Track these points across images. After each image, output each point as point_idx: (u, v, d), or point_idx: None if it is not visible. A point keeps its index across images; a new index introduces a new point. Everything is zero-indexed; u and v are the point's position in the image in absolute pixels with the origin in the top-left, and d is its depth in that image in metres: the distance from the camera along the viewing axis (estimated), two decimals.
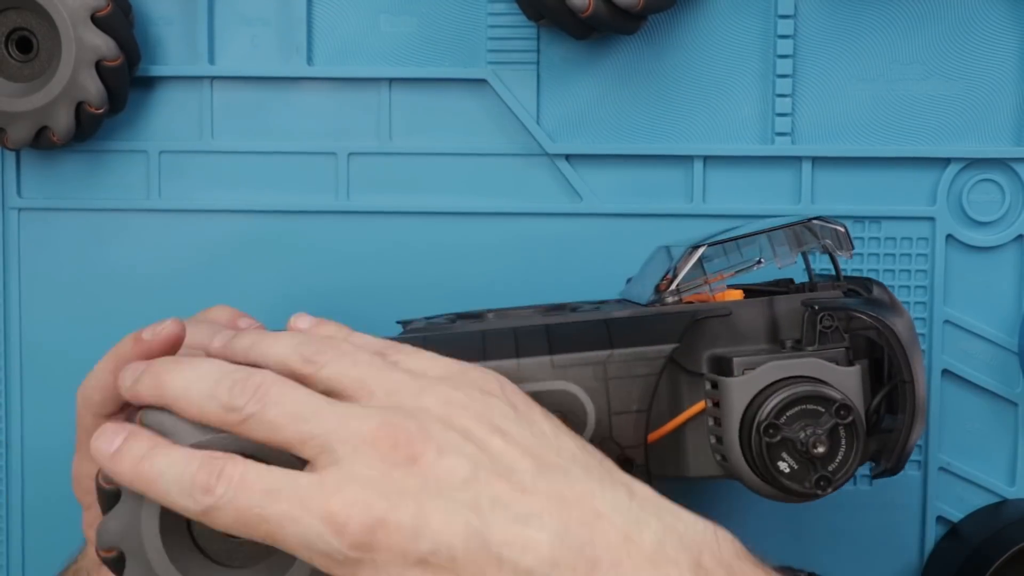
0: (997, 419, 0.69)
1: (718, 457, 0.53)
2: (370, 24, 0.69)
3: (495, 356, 0.52)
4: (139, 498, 0.46)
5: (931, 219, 0.68)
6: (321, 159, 0.69)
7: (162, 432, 0.45)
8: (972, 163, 0.68)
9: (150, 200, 0.70)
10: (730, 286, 0.57)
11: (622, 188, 0.69)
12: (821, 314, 0.53)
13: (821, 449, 0.50)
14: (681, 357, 0.54)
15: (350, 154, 0.69)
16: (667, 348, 0.53)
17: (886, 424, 0.54)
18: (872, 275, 0.68)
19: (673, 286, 0.56)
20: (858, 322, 0.53)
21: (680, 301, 0.55)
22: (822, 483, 0.51)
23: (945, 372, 0.68)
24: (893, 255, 0.68)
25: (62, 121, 0.65)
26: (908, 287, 0.68)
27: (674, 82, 0.69)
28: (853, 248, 0.57)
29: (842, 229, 0.56)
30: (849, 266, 0.68)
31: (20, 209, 0.70)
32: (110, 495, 0.47)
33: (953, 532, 0.69)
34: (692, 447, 0.54)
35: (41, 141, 0.66)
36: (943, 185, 0.68)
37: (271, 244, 0.70)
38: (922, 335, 0.69)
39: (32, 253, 0.70)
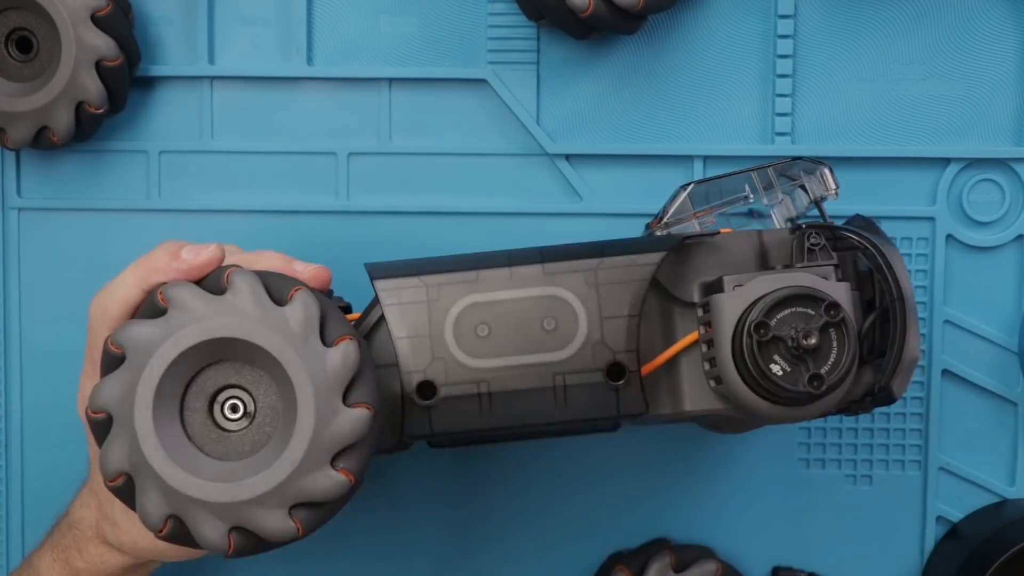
0: (997, 419, 0.69)
1: (712, 383, 0.54)
2: (370, 24, 0.69)
3: (488, 266, 0.53)
4: (139, 369, 0.48)
5: (931, 219, 0.68)
6: (321, 159, 0.69)
7: (181, 302, 0.49)
8: (972, 163, 0.68)
9: (150, 200, 0.70)
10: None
11: (622, 188, 0.69)
12: (808, 232, 0.53)
13: (812, 341, 0.50)
14: (673, 287, 0.54)
15: (350, 154, 0.69)
16: (656, 256, 0.53)
17: (880, 362, 0.54)
18: None
19: (663, 222, 0.56)
20: (846, 243, 0.54)
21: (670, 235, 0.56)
22: (815, 382, 0.50)
23: (945, 372, 0.69)
24: None
25: (62, 121, 0.65)
26: None
27: (674, 82, 0.69)
28: (838, 186, 0.57)
29: (826, 168, 0.57)
30: None
31: (20, 209, 0.70)
32: (115, 359, 0.49)
33: (953, 532, 0.69)
34: (687, 382, 0.54)
35: (41, 141, 0.66)
36: (943, 185, 0.68)
37: (271, 244, 0.69)
38: (922, 335, 0.69)
39: (32, 253, 0.70)
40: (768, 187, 0.58)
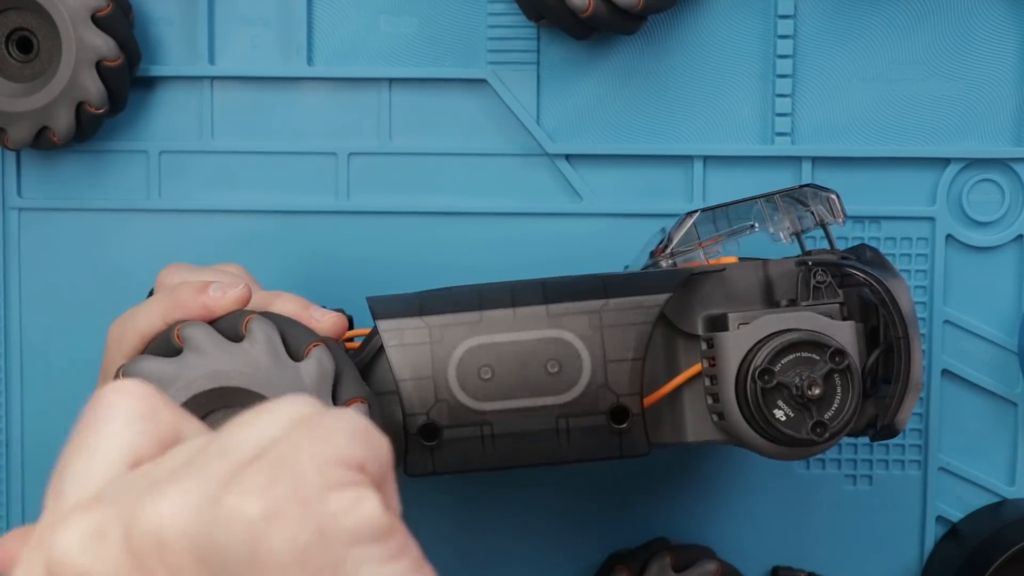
0: (997, 419, 0.69)
1: (715, 417, 0.54)
2: (370, 24, 0.69)
3: (491, 307, 0.53)
4: None
5: (931, 219, 0.68)
6: (321, 159, 0.69)
7: (197, 344, 0.49)
8: (972, 163, 0.68)
9: (150, 200, 0.70)
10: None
11: (622, 188, 0.69)
12: (815, 269, 0.53)
13: (816, 391, 0.50)
14: (677, 319, 0.54)
15: (350, 154, 0.69)
16: (662, 297, 0.53)
17: (882, 393, 0.54)
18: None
19: (668, 251, 0.56)
20: (852, 279, 0.54)
21: (675, 267, 0.56)
22: (818, 429, 0.51)
23: (945, 372, 0.69)
24: (893, 255, 0.68)
25: (62, 121, 0.65)
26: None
27: (674, 82, 0.69)
28: (846, 215, 0.57)
29: (834, 196, 0.57)
30: None
31: (20, 209, 0.70)
32: None
33: (953, 532, 0.69)
34: (690, 411, 0.55)
35: (41, 141, 0.66)
36: (943, 185, 0.68)
37: (271, 244, 0.70)
38: (922, 335, 0.69)
39: (32, 253, 0.70)
40: (775, 214, 0.58)
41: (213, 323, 0.50)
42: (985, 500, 0.69)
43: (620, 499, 0.70)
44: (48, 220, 0.70)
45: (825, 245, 0.57)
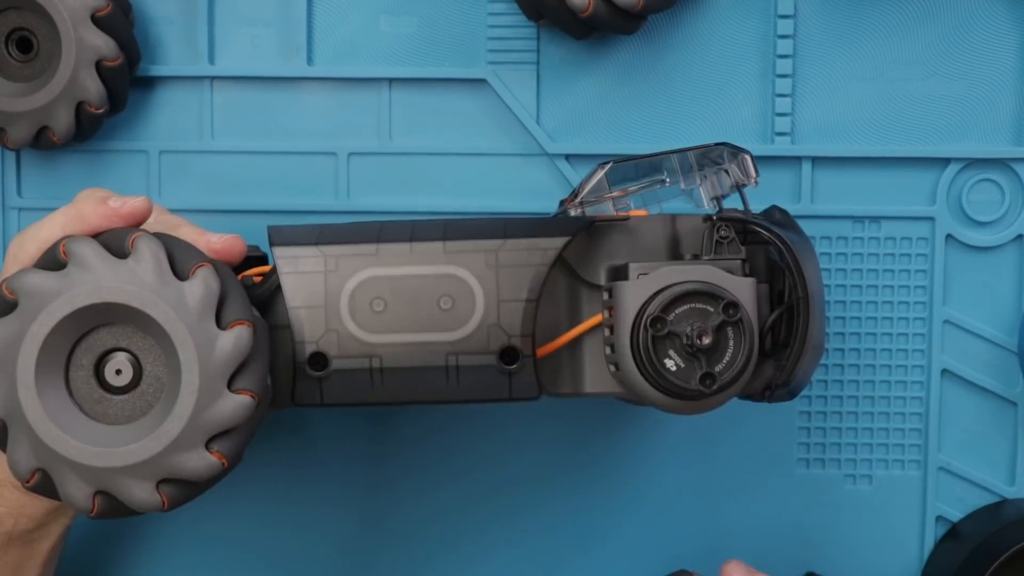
0: (996, 419, 0.69)
1: (612, 368, 0.54)
2: (370, 24, 0.69)
3: (389, 239, 0.53)
4: (29, 320, 0.48)
5: (931, 219, 0.68)
6: (321, 159, 0.69)
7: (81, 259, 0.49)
8: (972, 163, 0.68)
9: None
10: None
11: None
12: (719, 224, 0.53)
13: (706, 341, 0.50)
14: (581, 269, 0.54)
15: (350, 154, 0.69)
16: (560, 240, 0.53)
17: (783, 355, 0.53)
18: (872, 275, 0.68)
19: (577, 200, 0.56)
20: (758, 238, 0.54)
21: (583, 215, 0.56)
22: (707, 381, 0.50)
23: (945, 372, 0.69)
24: (893, 255, 0.68)
25: (62, 121, 0.65)
26: (908, 287, 0.69)
27: (674, 82, 0.69)
28: (758, 175, 0.57)
29: (747, 156, 0.57)
30: (849, 265, 0.68)
31: (20, 209, 0.70)
32: (7, 304, 0.49)
33: (953, 532, 0.69)
34: (589, 363, 0.54)
35: (41, 141, 0.66)
36: (943, 185, 0.68)
37: None
38: (922, 335, 0.69)
39: None
40: (688, 170, 0.58)
41: (100, 239, 0.50)
42: (985, 500, 0.69)
43: (619, 496, 0.70)
44: None
45: None
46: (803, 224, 0.68)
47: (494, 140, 0.69)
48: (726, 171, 0.57)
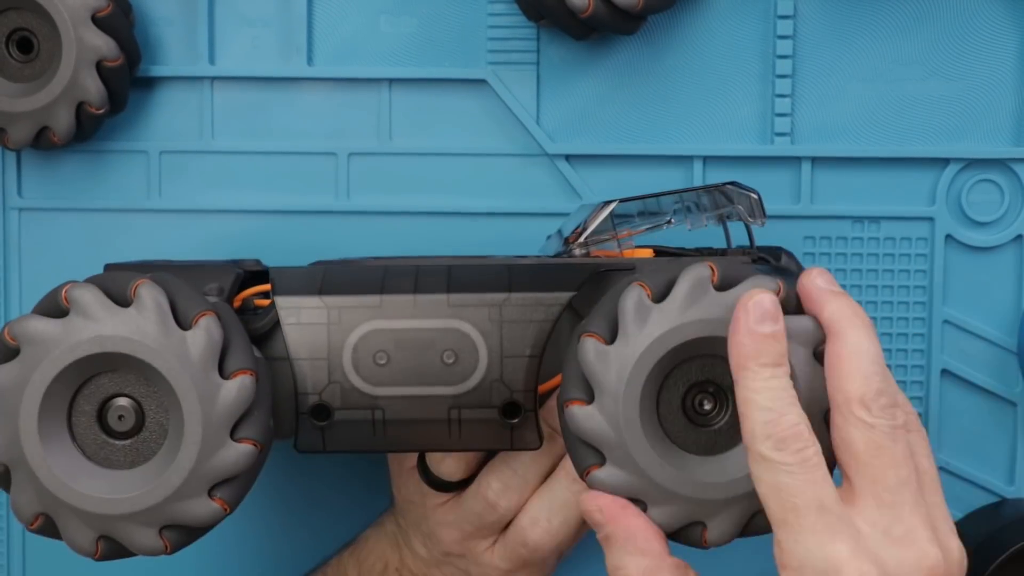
0: (996, 419, 0.69)
1: None
2: (370, 24, 0.69)
3: (393, 291, 0.53)
4: (31, 367, 0.48)
5: (930, 219, 0.68)
6: (321, 159, 0.70)
7: (83, 307, 0.49)
8: (971, 163, 0.68)
9: (151, 200, 0.70)
10: (644, 247, 0.57)
11: (622, 188, 0.69)
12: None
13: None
14: (584, 311, 0.54)
15: (350, 154, 0.69)
16: (565, 296, 0.53)
17: None
18: (871, 275, 0.69)
19: (582, 239, 0.56)
20: None
21: (588, 255, 0.56)
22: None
23: (944, 372, 0.69)
24: (892, 255, 0.68)
25: (63, 121, 0.65)
26: (907, 287, 0.69)
27: (674, 82, 0.69)
28: (766, 216, 0.57)
29: (755, 196, 0.57)
30: (849, 265, 0.68)
31: (21, 209, 0.70)
32: (9, 350, 0.49)
33: None
34: None
35: (42, 141, 0.66)
36: (942, 185, 0.68)
37: (271, 244, 0.70)
38: (921, 335, 0.69)
39: (33, 253, 0.70)
40: (694, 210, 0.58)
41: (101, 285, 0.50)
42: (984, 500, 0.69)
43: None
44: (48, 220, 0.70)
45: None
46: (803, 224, 0.68)
47: (494, 140, 0.69)
48: (735, 211, 0.57)
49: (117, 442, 0.50)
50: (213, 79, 0.69)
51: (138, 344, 0.48)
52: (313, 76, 0.69)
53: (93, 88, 0.65)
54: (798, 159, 0.68)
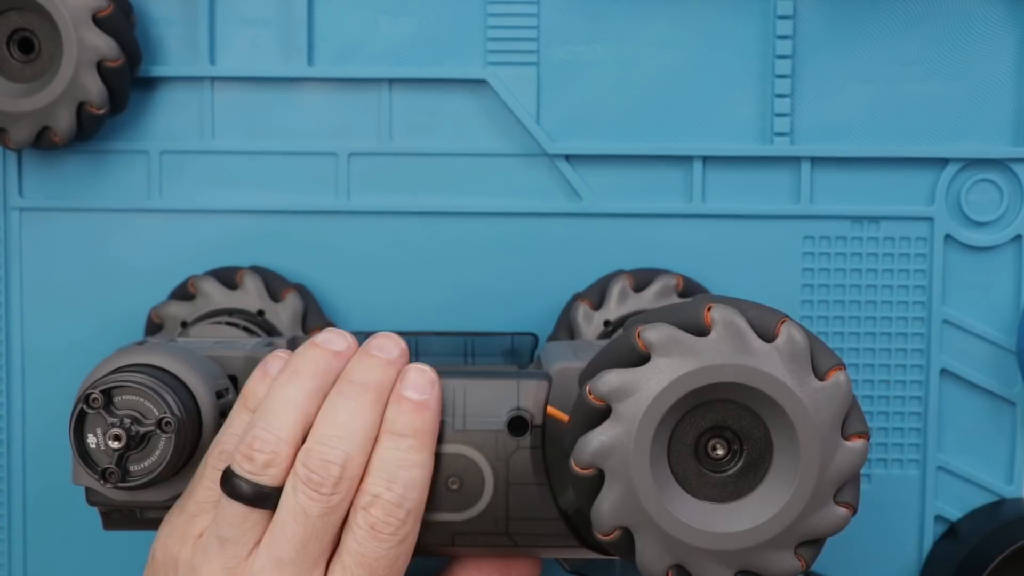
0: (995, 418, 0.69)
1: None
2: (371, 25, 0.69)
3: None
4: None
5: (929, 219, 0.69)
6: (321, 159, 0.70)
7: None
8: (970, 163, 0.68)
9: (151, 200, 0.70)
10: None
11: (622, 188, 0.69)
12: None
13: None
14: None
15: (350, 154, 0.70)
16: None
17: None
18: (870, 275, 0.69)
19: None
20: None
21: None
22: None
23: (943, 372, 0.69)
24: (892, 255, 0.69)
25: (63, 121, 0.65)
26: (906, 287, 0.69)
27: (674, 82, 0.69)
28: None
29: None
30: (848, 265, 0.69)
31: (22, 209, 0.70)
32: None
33: (951, 531, 0.69)
34: None
35: (42, 141, 0.66)
36: (941, 185, 0.68)
37: (271, 244, 0.70)
38: (920, 335, 0.69)
39: (33, 253, 0.70)
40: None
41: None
42: (984, 499, 0.69)
43: None
44: (49, 220, 0.70)
45: None
46: (803, 224, 0.68)
47: (494, 140, 0.69)
48: None
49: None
50: (213, 79, 0.69)
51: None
52: (313, 76, 0.69)
53: (94, 88, 0.65)
54: (797, 159, 0.68)
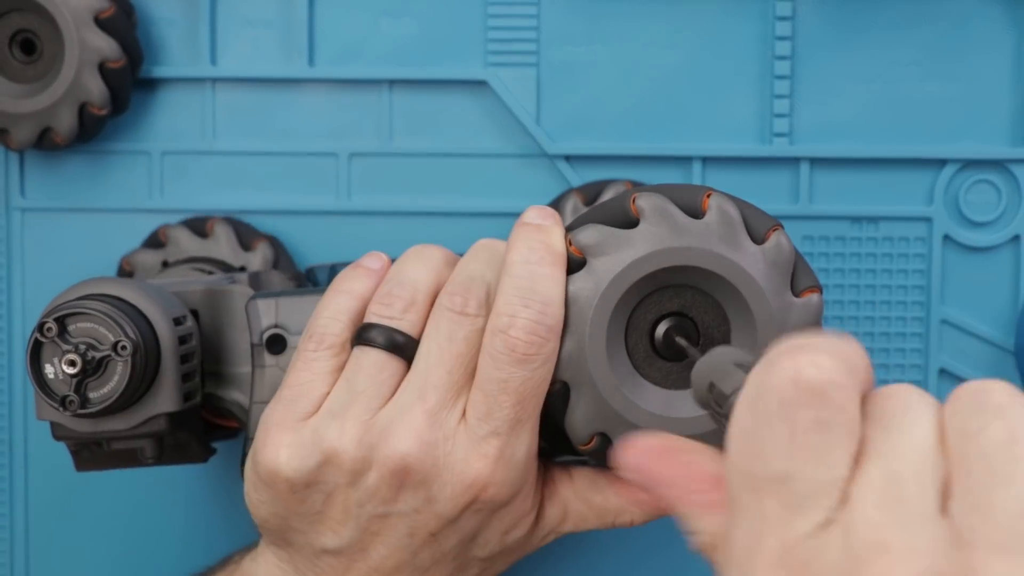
0: None
1: None
2: (371, 26, 0.69)
3: None
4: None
5: (928, 219, 0.69)
6: (322, 160, 0.70)
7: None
8: (969, 164, 0.69)
9: (152, 200, 0.70)
10: None
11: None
12: None
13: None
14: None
15: (351, 155, 0.70)
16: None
17: None
18: (869, 275, 0.69)
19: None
20: None
21: None
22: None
23: (942, 371, 0.69)
24: (890, 255, 0.69)
25: (65, 122, 0.65)
26: (905, 287, 0.69)
27: (673, 83, 0.69)
28: None
29: None
30: (847, 265, 0.69)
31: (24, 210, 0.70)
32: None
33: None
34: None
35: (44, 142, 0.66)
36: (940, 186, 0.69)
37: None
38: (919, 334, 0.69)
39: (35, 253, 0.70)
40: None
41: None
42: None
43: None
44: (51, 220, 0.70)
45: None
46: (802, 224, 0.69)
47: (494, 141, 0.70)
48: None
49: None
50: (215, 80, 0.70)
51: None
52: (314, 77, 0.69)
53: (95, 89, 0.65)
54: (796, 159, 0.69)
